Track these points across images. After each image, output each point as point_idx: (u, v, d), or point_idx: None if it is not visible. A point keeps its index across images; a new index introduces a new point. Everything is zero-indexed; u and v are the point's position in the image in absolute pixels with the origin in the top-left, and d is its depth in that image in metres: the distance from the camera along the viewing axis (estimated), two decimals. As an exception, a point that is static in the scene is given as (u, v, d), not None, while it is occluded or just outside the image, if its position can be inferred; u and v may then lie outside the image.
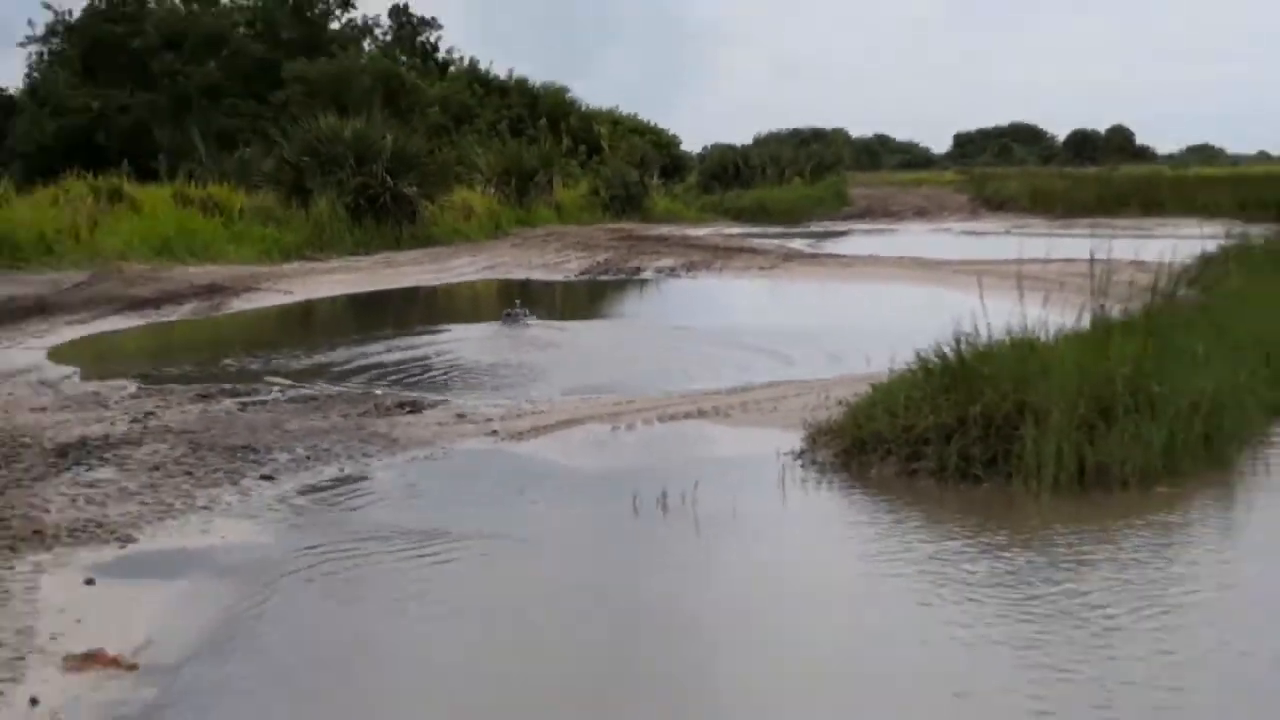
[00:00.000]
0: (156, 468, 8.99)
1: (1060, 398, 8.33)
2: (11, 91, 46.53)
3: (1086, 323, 9.66)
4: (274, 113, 38.81)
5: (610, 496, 8.48)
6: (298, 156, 30.18)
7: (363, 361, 14.33)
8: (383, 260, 27.30)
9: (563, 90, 52.79)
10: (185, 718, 5.24)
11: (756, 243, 33.11)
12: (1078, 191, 47.68)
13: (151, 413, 10.92)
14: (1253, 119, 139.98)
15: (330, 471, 9.04)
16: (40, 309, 18.38)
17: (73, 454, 9.37)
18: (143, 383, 12.55)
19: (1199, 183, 48.35)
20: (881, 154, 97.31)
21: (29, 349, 15.06)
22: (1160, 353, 9.13)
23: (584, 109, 52.82)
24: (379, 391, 12.01)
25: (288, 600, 6.64)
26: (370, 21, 51.94)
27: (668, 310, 21.27)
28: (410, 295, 22.92)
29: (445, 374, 13.56)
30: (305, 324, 19.27)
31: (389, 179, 29.71)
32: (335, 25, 50.14)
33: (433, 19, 53.98)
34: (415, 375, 13.35)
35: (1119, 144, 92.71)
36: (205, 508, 8.05)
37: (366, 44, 50.85)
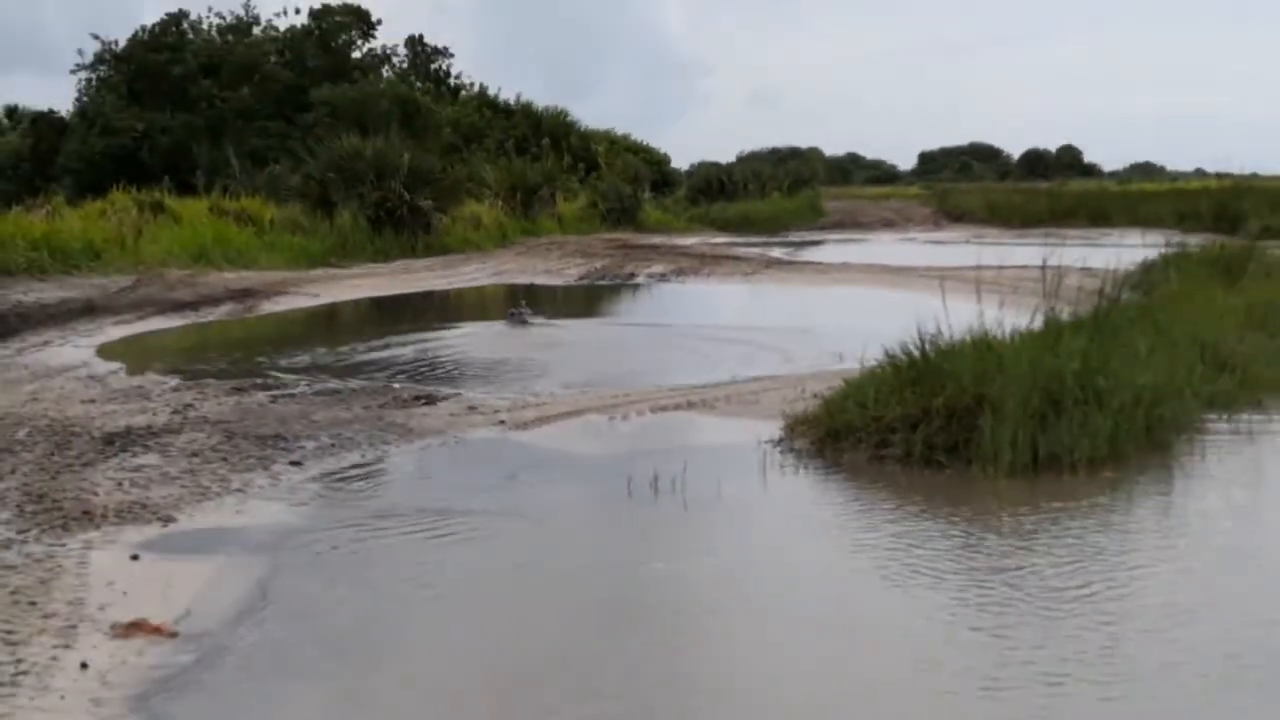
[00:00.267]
0: (195, 454, 8.98)
1: (1015, 391, 8.36)
2: (63, 114, 46.44)
3: (1039, 323, 9.68)
4: (301, 133, 38.73)
5: (607, 479, 8.51)
6: (323, 173, 30.11)
7: (382, 358, 14.31)
8: (400, 267, 27.26)
9: (564, 113, 52.72)
10: (222, 678, 5.24)
11: (740, 251, 33.10)
12: (1031, 205, 47.62)
13: (190, 404, 10.91)
14: (1190, 139, 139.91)
15: (353, 458, 9.04)
16: (89, 310, 18.35)
17: (119, 442, 9.36)
18: (182, 377, 12.53)
19: (1141, 197, 48.34)
20: (852, 170, 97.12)
21: (79, 347, 15.04)
22: (1106, 350, 9.15)
23: (583, 130, 52.73)
24: (397, 385, 12.00)
25: (314, 572, 6.65)
26: (389, 51, 51.86)
27: (659, 312, 21.23)
28: (426, 298, 22.88)
29: (458, 369, 13.55)
30: (330, 324, 19.23)
31: (406, 193, 29.64)
32: (357, 54, 50.03)
33: (445, 48, 53.92)
34: (430, 370, 13.35)
35: (1068, 162, 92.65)
36: (239, 491, 8.05)
37: (385, 71, 50.72)
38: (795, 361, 12.98)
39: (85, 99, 45.56)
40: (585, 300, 22.90)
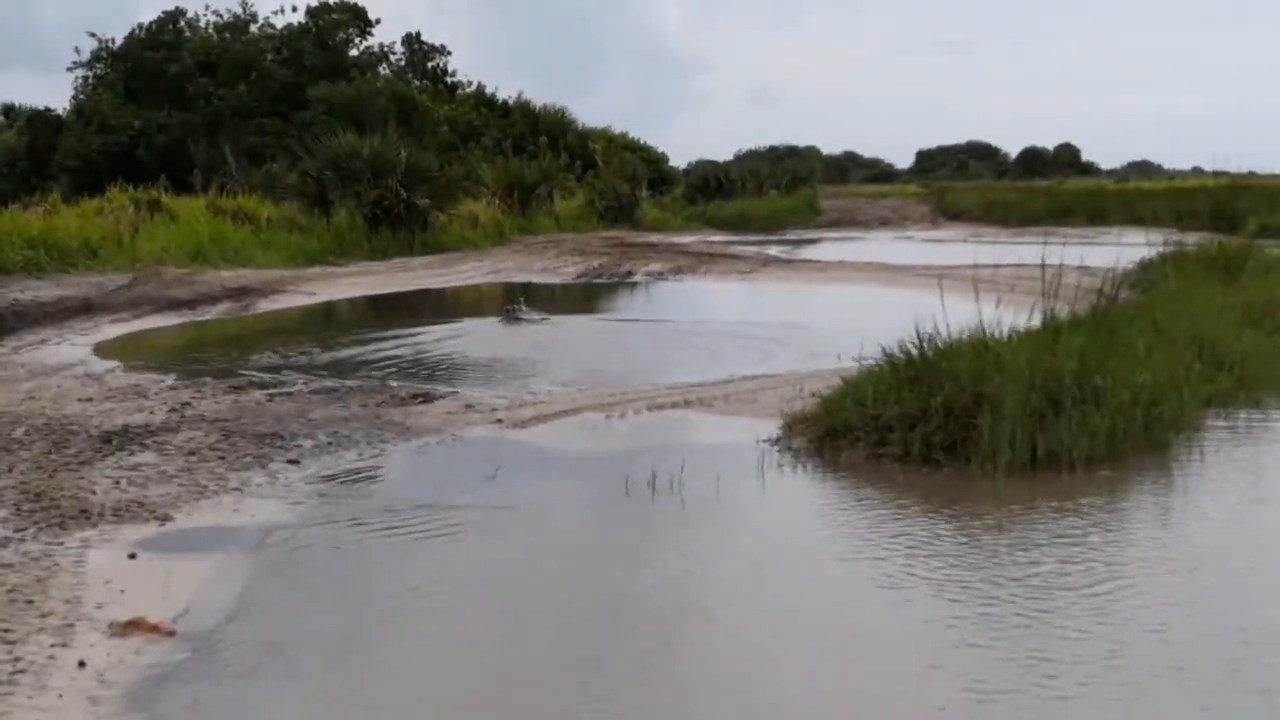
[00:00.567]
0: (192, 453, 8.98)
1: (1013, 390, 8.36)
2: (60, 112, 46.43)
3: (1037, 322, 9.68)
4: (298, 131, 38.69)
5: (604, 477, 8.50)
6: (320, 171, 30.12)
7: (379, 356, 14.32)
8: (397, 265, 27.26)
9: (561, 111, 52.72)
10: (220, 676, 5.24)
11: (737, 249, 33.11)
12: (1028, 203, 47.61)
13: (187, 403, 10.90)
14: (1188, 138, 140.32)
15: (350, 456, 9.03)
16: (86, 308, 18.35)
17: (116, 440, 9.35)
18: (179, 376, 12.53)
19: (1139, 195, 48.34)
20: (850, 169, 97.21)
21: (76, 345, 15.03)
22: (1104, 349, 9.16)
23: (581, 128, 52.76)
24: (394, 384, 11.99)
25: (312, 571, 6.65)
26: (386, 49, 51.91)
27: (656, 310, 21.24)
28: (422, 296, 22.87)
29: (455, 367, 13.55)
30: (327, 322, 19.22)
31: (403, 191, 29.65)
32: (354, 52, 50.05)
33: (442, 46, 53.98)
34: (427, 368, 13.35)
35: (1066, 160, 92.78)
36: (237, 489, 8.04)
37: (383, 69, 50.75)
38: (793, 360, 12.97)
39: (82, 97, 45.56)
40: (583, 298, 22.89)
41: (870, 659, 5.57)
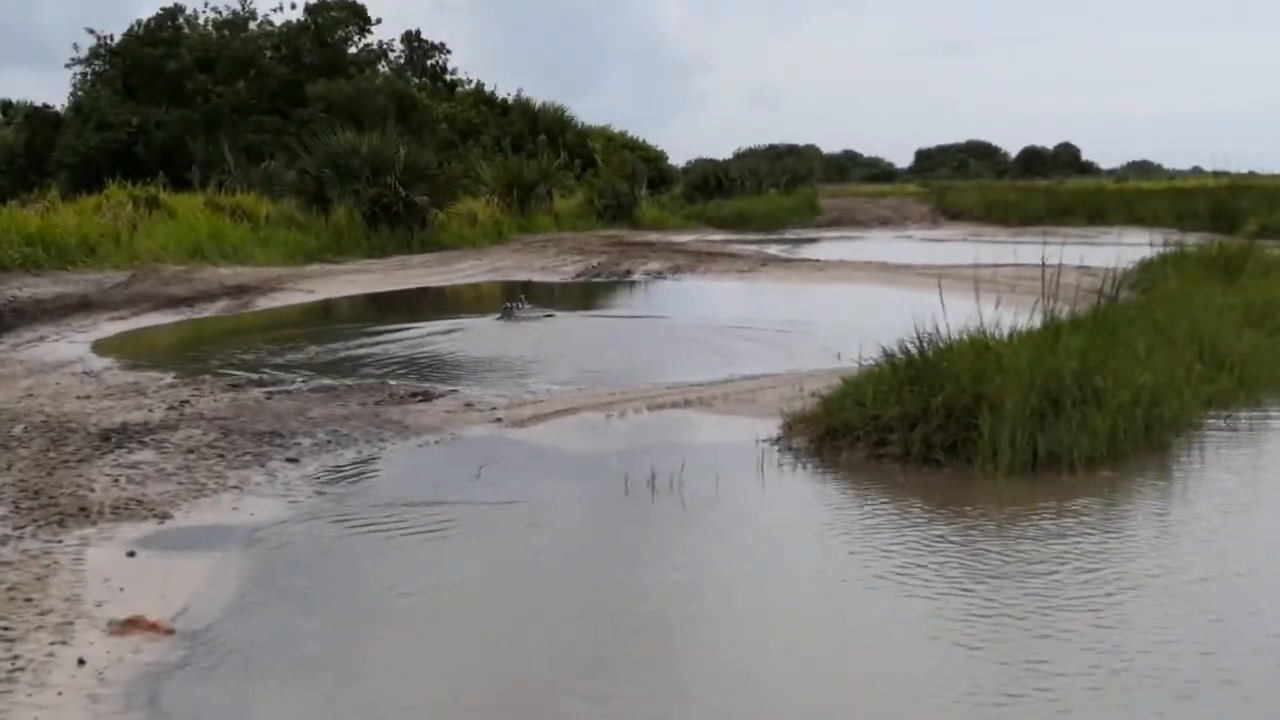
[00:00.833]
0: (191, 451, 8.97)
1: (1014, 390, 8.36)
2: (58, 108, 46.44)
3: (1037, 322, 9.69)
4: (297, 129, 38.68)
5: (604, 477, 8.49)
6: (318, 168, 30.11)
7: (378, 354, 14.32)
8: (396, 263, 27.24)
9: (561, 109, 52.74)
10: (220, 675, 5.24)
11: (736, 248, 33.10)
12: (1028, 203, 47.57)
13: (186, 400, 10.90)
14: (1188, 137, 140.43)
15: (349, 455, 9.03)
16: (84, 306, 18.34)
17: (115, 438, 9.35)
18: (178, 373, 12.52)
19: (1138, 195, 48.34)
20: (849, 168, 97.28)
21: (74, 342, 15.03)
22: (1104, 349, 9.17)
23: (580, 126, 52.78)
24: (393, 382, 11.99)
25: (312, 569, 6.66)
26: (385, 46, 51.87)
27: (655, 309, 21.22)
28: (421, 294, 22.85)
29: (454, 365, 13.55)
30: (326, 320, 19.21)
31: (402, 189, 29.64)
32: (353, 49, 50.02)
33: (442, 45, 53.97)
34: (426, 367, 13.35)
35: (1066, 160, 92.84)
36: (236, 487, 8.04)
37: (382, 67, 50.73)
38: (793, 359, 12.97)
39: (80, 93, 45.56)
40: (582, 297, 22.88)
41: (869, 660, 5.57)
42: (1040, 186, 58.36)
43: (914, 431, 8.52)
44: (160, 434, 9.51)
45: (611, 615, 6.15)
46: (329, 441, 9.36)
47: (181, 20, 46.69)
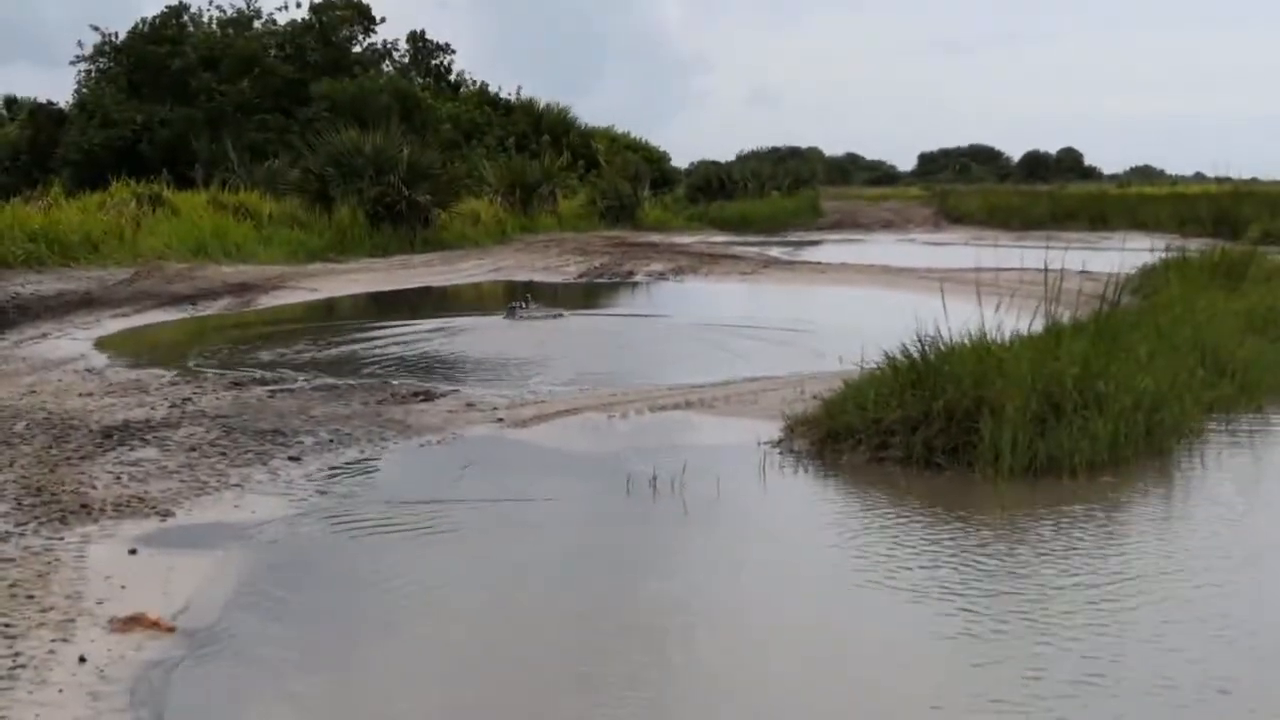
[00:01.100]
0: (193, 449, 8.98)
1: (1015, 394, 8.37)
2: (62, 105, 46.43)
3: (1039, 326, 9.69)
4: (301, 127, 38.69)
5: (605, 477, 8.50)
6: (322, 167, 30.11)
7: (381, 353, 14.32)
8: (399, 262, 27.25)
9: (564, 110, 52.67)
10: (221, 673, 5.25)
11: (738, 250, 33.09)
12: (1031, 207, 47.53)
13: (188, 398, 10.91)
14: (1191, 143, 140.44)
15: (351, 454, 9.03)
16: (87, 303, 18.35)
17: (117, 435, 9.36)
18: (180, 371, 12.53)
19: (1141, 200, 48.30)
20: (852, 171, 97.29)
21: (77, 340, 15.03)
22: (1106, 354, 9.16)
23: (583, 127, 52.73)
24: (395, 382, 11.99)
25: (313, 567, 6.66)
26: (389, 46, 51.82)
27: (657, 310, 21.20)
28: (424, 294, 22.85)
29: (456, 365, 13.55)
30: (328, 319, 19.20)
31: (405, 189, 29.65)
32: (358, 49, 50.00)
33: (446, 44, 53.91)
34: (428, 366, 13.35)
35: (1069, 164, 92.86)
36: (237, 485, 8.04)
37: (386, 66, 50.70)
38: (794, 361, 12.96)
39: (85, 91, 45.53)
40: (584, 298, 22.88)
41: (868, 662, 5.57)
42: (1043, 191, 58.31)
43: (915, 435, 8.52)
44: (162, 431, 9.51)
45: (610, 617, 6.15)
46: (331, 440, 9.36)
47: (186, 18, 46.69)
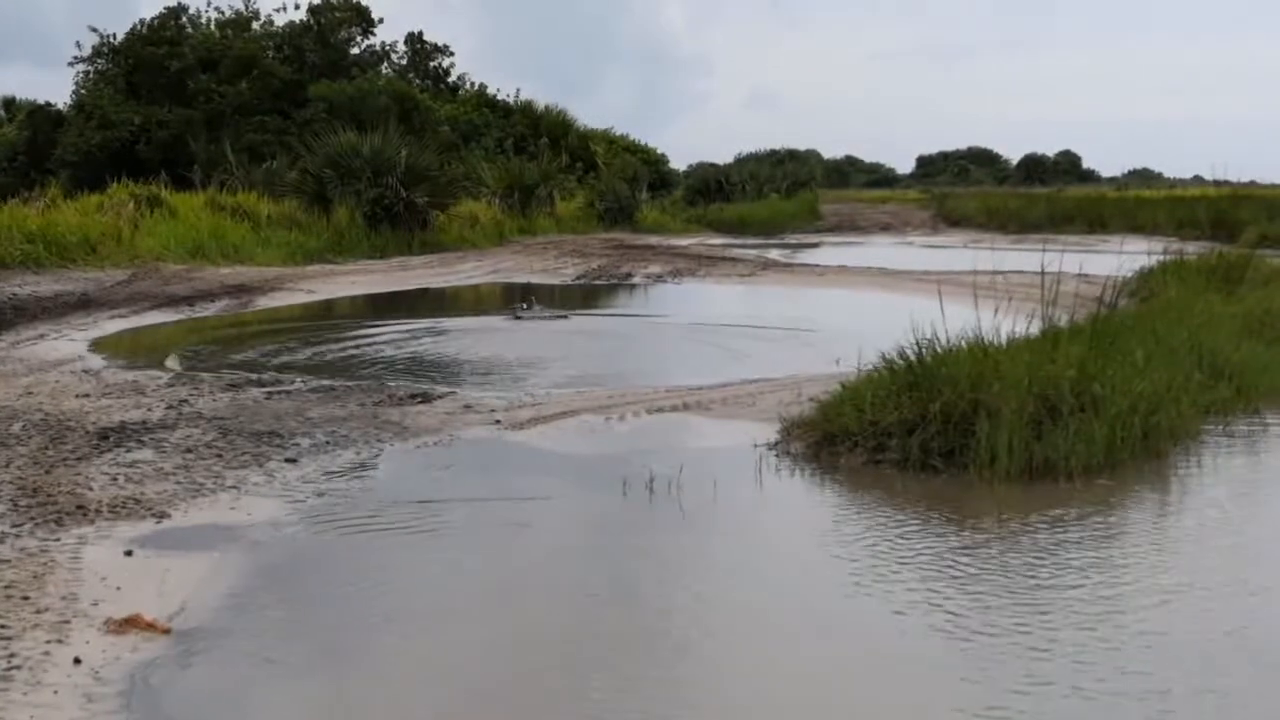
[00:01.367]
0: (189, 450, 8.97)
1: (1012, 397, 8.37)
2: (60, 106, 46.43)
3: (1036, 329, 9.69)
4: (299, 129, 38.70)
5: (602, 480, 8.48)
6: (320, 169, 30.13)
7: (378, 355, 14.32)
8: (397, 264, 27.26)
9: (562, 112, 52.70)
10: (217, 675, 5.25)
11: (737, 252, 33.12)
12: (1029, 210, 47.57)
13: (185, 400, 10.90)
14: (1188, 146, 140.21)
15: (348, 456, 9.03)
16: (84, 304, 18.35)
17: (113, 437, 9.36)
18: (177, 373, 12.53)
19: (1139, 203, 48.30)
20: (850, 173, 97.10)
21: (74, 341, 15.02)
22: (1103, 357, 9.16)
23: (581, 129, 52.73)
24: (392, 383, 11.99)
25: (309, 570, 6.66)
26: (388, 47, 51.84)
27: (655, 312, 21.21)
28: (422, 295, 22.86)
29: (453, 367, 13.56)
30: (326, 320, 19.19)
31: (403, 190, 29.67)
32: (356, 50, 50.03)
33: (445, 46, 53.91)
34: (425, 368, 13.35)
35: (1067, 167, 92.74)
36: (234, 487, 8.04)
37: (384, 68, 50.69)
38: (792, 364, 12.96)
39: (83, 92, 45.51)
40: (583, 300, 22.88)
41: (866, 664, 5.57)
42: (1041, 194, 58.29)
43: (912, 437, 8.52)
44: (159, 433, 9.51)
45: (609, 618, 6.14)
46: (327, 442, 9.35)
47: (184, 20, 46.71)
